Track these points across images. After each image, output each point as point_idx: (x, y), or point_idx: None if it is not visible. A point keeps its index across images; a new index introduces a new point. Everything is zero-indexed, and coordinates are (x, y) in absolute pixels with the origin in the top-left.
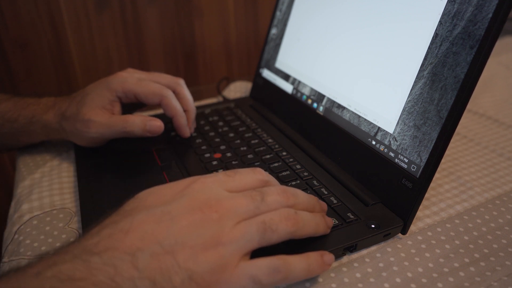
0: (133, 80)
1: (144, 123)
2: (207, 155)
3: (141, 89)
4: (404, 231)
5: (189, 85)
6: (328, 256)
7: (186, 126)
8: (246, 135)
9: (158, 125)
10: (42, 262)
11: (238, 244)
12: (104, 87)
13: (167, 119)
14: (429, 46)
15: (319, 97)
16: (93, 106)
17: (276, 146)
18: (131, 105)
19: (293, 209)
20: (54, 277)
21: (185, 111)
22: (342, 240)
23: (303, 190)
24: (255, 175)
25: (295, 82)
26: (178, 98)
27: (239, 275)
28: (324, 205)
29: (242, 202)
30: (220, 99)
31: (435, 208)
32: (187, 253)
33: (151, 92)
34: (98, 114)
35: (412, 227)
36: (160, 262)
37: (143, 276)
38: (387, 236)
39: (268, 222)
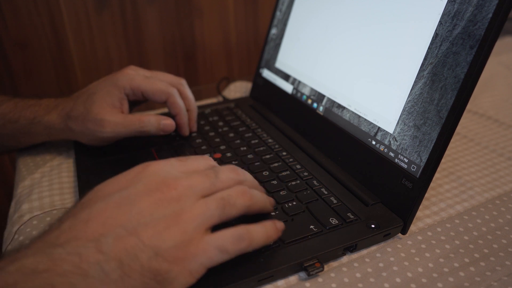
0: (140, 77)
1: (158, 122)
2: (207, 155)
3: (149, 86)
4: (404, 231)
5: (189, 85)
6: (280, 223)
7: (187, 125)
8: (246, 135)
9: (170, 123)
10: (4, 259)
11: (201, 220)
12: (112, 85)
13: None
14: (429, 46)
15: (319, 97)
16: (103, 105)
17: (276, 146)
18: (132, 101)
19: (245, 186)
20: (17, 271)
21: (187, 110)
22: (342, 240)
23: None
24: (204, 160)
25: (295, 82)
26: (181, 98)
27: (205, 247)
28: (263, 189)
29: (198, 180)
30: (220, 99)
31: (435, 208)
32: (151, 232)
33: (159, 90)
34: (110, 113)
35: (412, 227)
36: (124, 243)
37: (109, 258)
38: (387, 236)
39: (227, 198)
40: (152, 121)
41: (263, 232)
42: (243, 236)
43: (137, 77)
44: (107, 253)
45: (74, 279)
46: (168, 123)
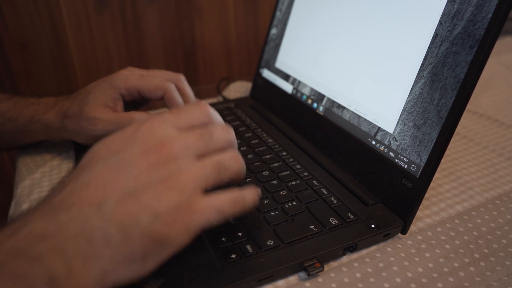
0: (135, 76)
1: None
2: None
3: (144, 84)
4: (404, 231)
5: (189, 85)
6: (259, 190)
7: None
8: (246, 135)
9: None
10: (17, 222)
11: (198, 181)
12: (107, 85)
13: None
14: (429, 46)
15: (319, 97)
16: (96, 104)
17: (276, 146)
18: (132, 104)
19: (237, 152)
20: (28, 235)
21: None
22: (342, 240)
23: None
24: (199, 109)
25: (295, 82)
26: (179, 93)
27: (203, 209)
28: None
29: (193, 139)
30: (220, 99)
31: (435, 208)
32: (150, 195)
33: (154, 86)
34: (102, 111)
35: (412, 227)
36: (125, 208)
37: (111, 223)
38: (387, 236)
39: (222, 162)
40: (143, 118)
41: (252, 197)
42: (238, 199)
43: (132, 77)
44: (109, 218)
45: (79, 244)
46: None
